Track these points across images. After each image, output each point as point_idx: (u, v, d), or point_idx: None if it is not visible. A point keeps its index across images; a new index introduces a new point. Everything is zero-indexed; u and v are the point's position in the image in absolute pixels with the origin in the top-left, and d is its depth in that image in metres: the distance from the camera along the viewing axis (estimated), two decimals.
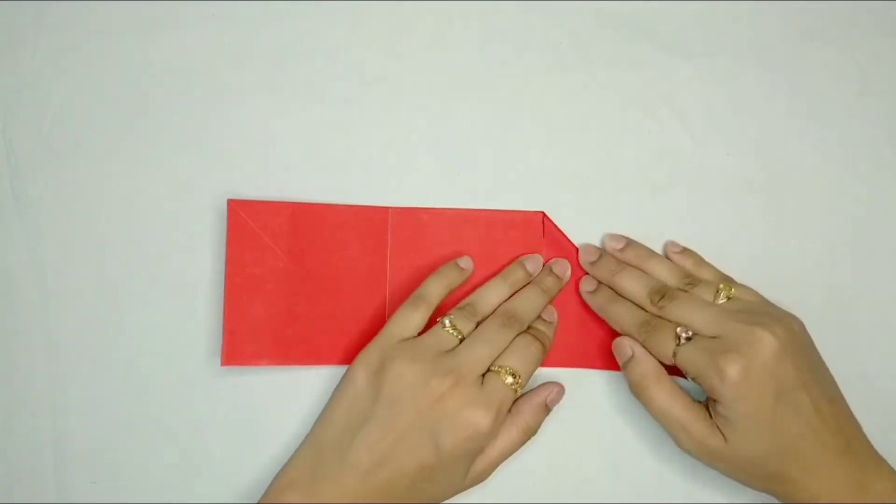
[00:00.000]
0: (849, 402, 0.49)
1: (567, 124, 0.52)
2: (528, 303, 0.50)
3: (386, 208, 0.51)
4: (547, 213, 0.52)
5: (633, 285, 0.49)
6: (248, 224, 0.50)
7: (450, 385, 0.45)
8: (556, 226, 0.51)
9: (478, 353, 0.47)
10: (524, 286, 0.50)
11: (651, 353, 0.48)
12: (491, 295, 0.50)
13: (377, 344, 0.48)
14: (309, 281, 0.50)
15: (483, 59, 0.52)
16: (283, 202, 0.50)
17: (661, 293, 0.48)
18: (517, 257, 0.51)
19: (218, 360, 0.50)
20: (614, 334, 0.51)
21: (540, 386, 0.50)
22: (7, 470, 0.50)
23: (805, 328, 0.47)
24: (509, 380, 0.46)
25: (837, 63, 0.53)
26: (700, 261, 0.51)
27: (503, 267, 0.51)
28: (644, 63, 0.53)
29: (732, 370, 0.44)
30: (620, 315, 0.49)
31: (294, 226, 0.50)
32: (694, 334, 0.47)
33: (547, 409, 0.49)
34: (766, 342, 0.45)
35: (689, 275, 0.50)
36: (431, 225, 0.51)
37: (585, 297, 0.51)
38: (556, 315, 0.51)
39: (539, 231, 0.51)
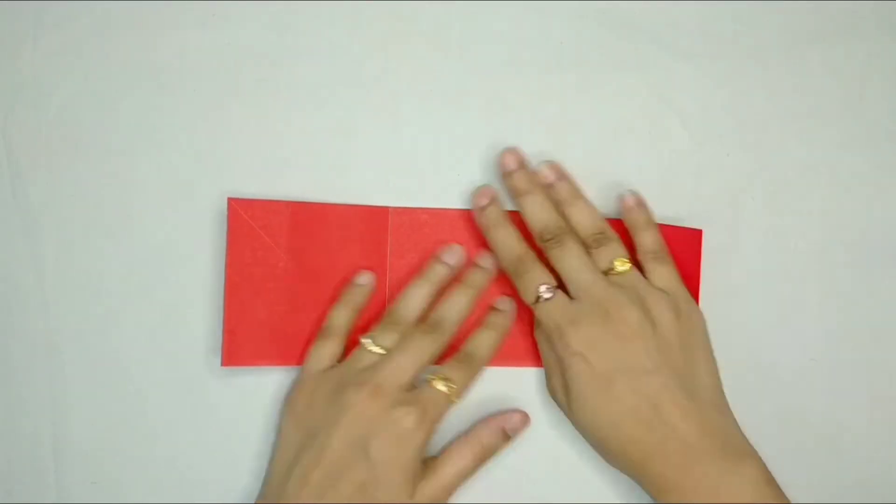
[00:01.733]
0: (852, 401, 0.49)
1: (567, 124, 0.52)
2: (453, 306, 0.49)
3: (386, 208, 0.51)
4: None
5: (534, 213, 0.48)
6: (248, 223, 0.50)
7: (367, 395, 0.45)
8: None
9: (397, 364, 0.46)
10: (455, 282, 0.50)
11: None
12: (412, 299, 0.49)
13: (296, 386, 0.48)
14: (309, 281, 0.50)
15: (483, 59, 0.52)
16: (283, 201, 0.50)
17: (553, 234, 0.48)
18: None
19: (218, 360, 0.50)
20: None
21: (504, 411, 0.50)
22: (7, 470, 0.50)
23: (690, 318, 0.47)
24: (440, 385, 0.46)
25: (837, 63, 0.53)
26: (647, 224, 0.49)
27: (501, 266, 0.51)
28: (644, 63, 0.53)
29: (573, 339, 0.45)
30: (501, 241, 0.49)
31: (294, 225, 0.50)
32: (558, 290, 0.47)
33: (507, 435, 0.49)
34: (618, 321, 0.45)
35: (603, 233, 0.48)
36: (431, 225, 0.51)
37: (476, 210, 0.50)
38: (511, 304, 0.50)
39: None
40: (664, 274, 0.48)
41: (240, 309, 0.49)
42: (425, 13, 0.52)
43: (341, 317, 0.49)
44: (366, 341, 0.47)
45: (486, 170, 0.52)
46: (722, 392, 0.47)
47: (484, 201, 0.49)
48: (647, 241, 0.49)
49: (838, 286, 0.52)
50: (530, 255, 0.48)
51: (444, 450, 0.48)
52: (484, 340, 0.49)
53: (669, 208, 0.52)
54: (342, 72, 0.52)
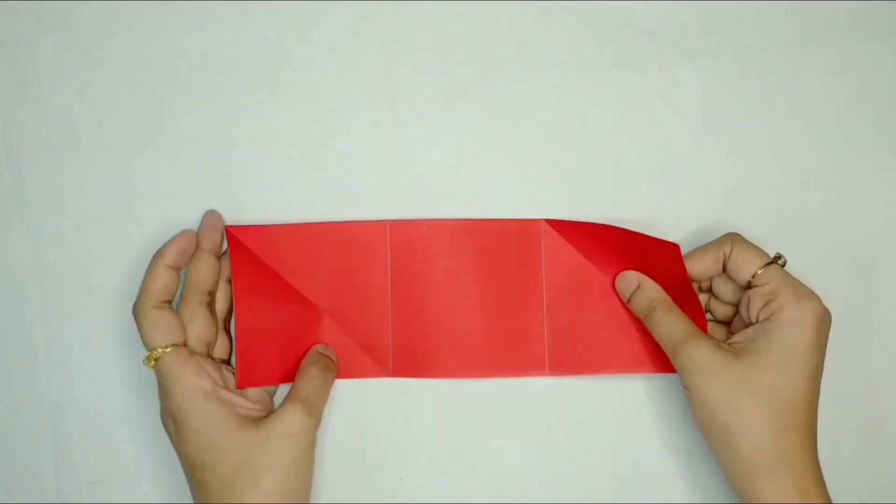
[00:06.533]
0: (850, 401, 0.50)
1: (567, 124, 0.52)
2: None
3: (384, 222, 0.51)
4: (548, 218, 0.51)
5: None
6: (247, 248, 0.49)
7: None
8: (557, 233, 0.51)
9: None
10: None
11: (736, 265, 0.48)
12: None
13: None
14: (313, 300, 0.50)
15: (483, 60, 0.52)
16: (278, 225, 0.50)
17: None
18: (516, 265, 0.51)
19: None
20: (619, 336, 0.50)
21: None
22: (7, 470, 0.50)
23: None
24: (146, 363, 0.46)
25: (837, 63, 0.53)
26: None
27: (502, 275, 0.50)
28: (644, 63, 0.53)
29: (815, 312, 0.45)
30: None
31: (292, 246, 0.50)
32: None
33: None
34: (828, 318, 0.46)
35: None
36: (430, 236, 0.51)
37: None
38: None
39: (538, 238, 0.51)
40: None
41: (250, 333, 0.49)
42: (425, 13, 0.52)
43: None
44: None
45: (486, 169, 0.52)
46: None
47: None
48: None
49: (838, 286, 0.52)
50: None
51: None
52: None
53: (669, 208, 0.52)
54: (342, 72, 0.52)
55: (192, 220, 0.51)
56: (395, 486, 0.50)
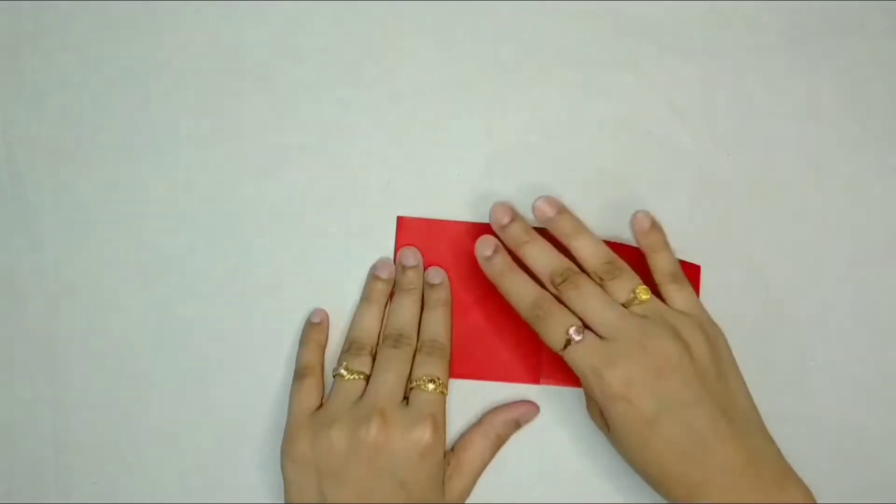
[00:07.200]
0: (849, 405, 0.49)
1: (567, 124, 0.52)
2: (404, 311, 0.49)
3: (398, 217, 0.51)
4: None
5: (538, 260, 0.47)
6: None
7: (378, 427, 0.44)
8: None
9: (387, 383, 0.46)
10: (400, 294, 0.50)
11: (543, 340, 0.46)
12: (365, 322, 0.49)
13: (292, 431, 0.47)
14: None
15: (483, 59, 0.52)
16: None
17: (565, 276, 0.46)
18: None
19: (216, 360, 0.50)
20: None
21: (515, 402, 0.50)
22: (7, 470, 0.50)
23: (717, 341, 0.46)
24: (430, 387, 0.46)
25: (837, 63, 0.53)
26: (663, 245, 0.49)
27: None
28: (644, 63, 0.53)
29: (613, 381, 0.43)
30: (514, 289, 0.47)
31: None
32: (586, 331, 0.45)
33: (518, 424, 0.49)
34: (655, 354, 0.43)
35: (612, 263, 0.47)
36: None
37: (481, 261, 0.49)
38: (442, 274, 0.50)
39: None
40: (684, 296, 0.47)
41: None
42: (425, 13, 0.52)
43: (306, 356, 0.49)
44: (343, 372, 0.47)
45: (486, 170, 0.52)
46: (758, 412, 0.45)
47: (488, 251, 0.49)
48: (664, 263, 0.48)
49: (838, 287, 0.52)
50: (547, 298, 0.46)
51: (462, 444, 0.48)
52: (435, 322, 0.49)
53: (670, 208, 0.52)
54: (342, 72, 0.52)
55: (191, 219, 0.51)
56: None
